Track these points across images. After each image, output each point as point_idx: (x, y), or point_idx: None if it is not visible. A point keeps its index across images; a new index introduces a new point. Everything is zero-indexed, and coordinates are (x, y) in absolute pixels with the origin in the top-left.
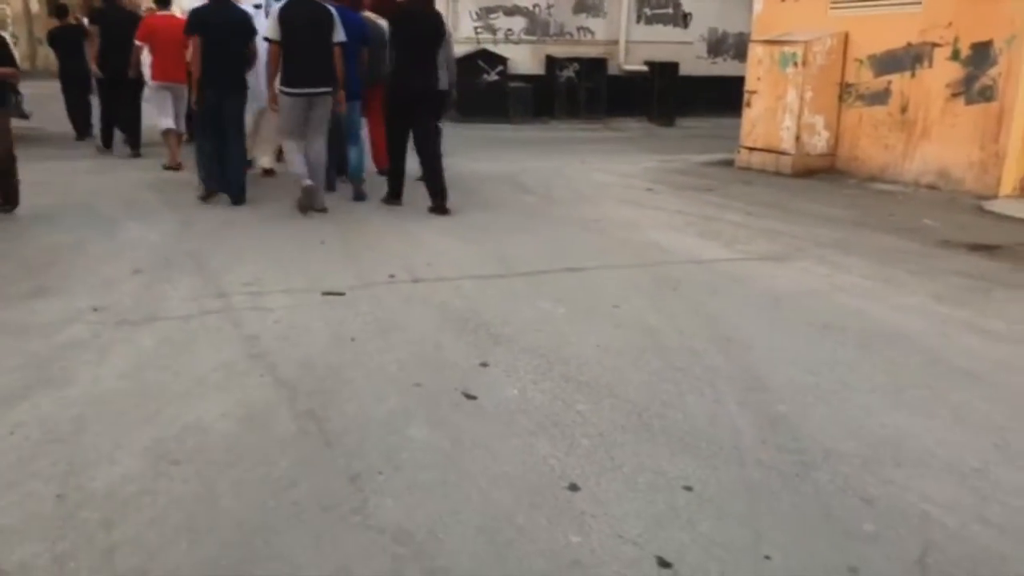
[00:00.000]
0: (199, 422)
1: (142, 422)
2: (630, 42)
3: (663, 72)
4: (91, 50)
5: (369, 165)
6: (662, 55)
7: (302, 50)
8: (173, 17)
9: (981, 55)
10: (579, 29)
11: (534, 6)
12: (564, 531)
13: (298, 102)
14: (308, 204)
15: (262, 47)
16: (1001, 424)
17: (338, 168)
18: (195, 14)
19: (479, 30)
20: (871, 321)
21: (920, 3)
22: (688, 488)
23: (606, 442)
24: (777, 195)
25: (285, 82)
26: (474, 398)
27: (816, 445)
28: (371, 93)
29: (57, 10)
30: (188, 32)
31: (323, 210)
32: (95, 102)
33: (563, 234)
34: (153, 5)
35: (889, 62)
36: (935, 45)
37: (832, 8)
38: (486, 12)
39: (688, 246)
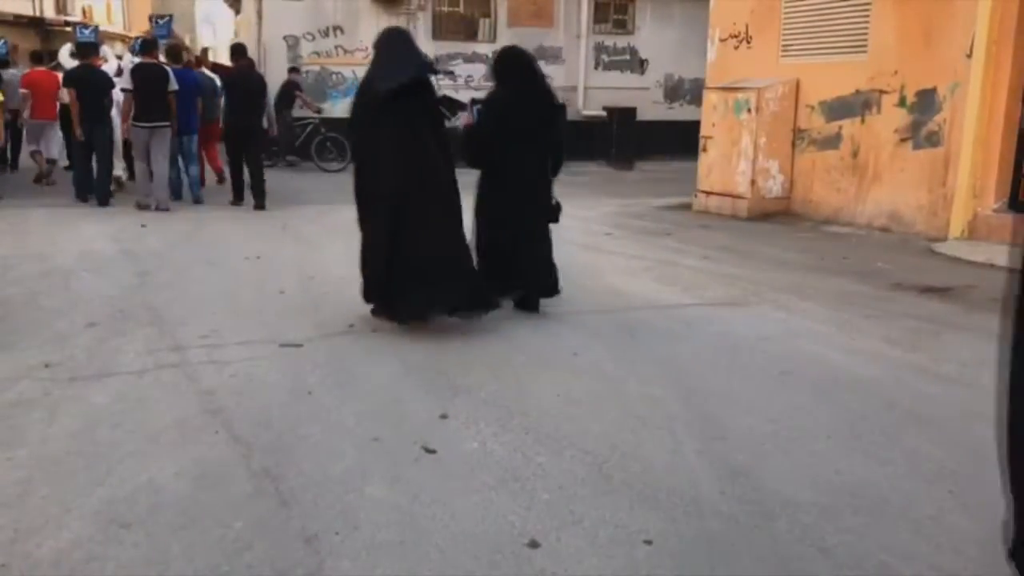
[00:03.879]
0: (152, 482)
1: (92, 483)
2: (588, 88)
3: (621, 117)
4: None
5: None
6: (620, 101)
7: (146, 97)
8: (47, 72)
9: (926, 102)
10: None
11: (494, 53)
12: None
13: (143, 132)
14: (144, 206)
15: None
16: (954, 470)
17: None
18: (70, 72)
19: (440, 77)
20: (827, 367)
21: (866, 51)
22: (648, 542)
23: (566, 496)
24: (734, 239)
25: (135, 118)
26: (433, 452)
27: (774, 495)
28: (209, 128)
29: None
30: (65, 85)
31: (165, 210)
32: None
33: None
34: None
35: (839, 108)
36: (883, 92)
37: (783, 56)
38: (447, 59)
39: (646, 291)
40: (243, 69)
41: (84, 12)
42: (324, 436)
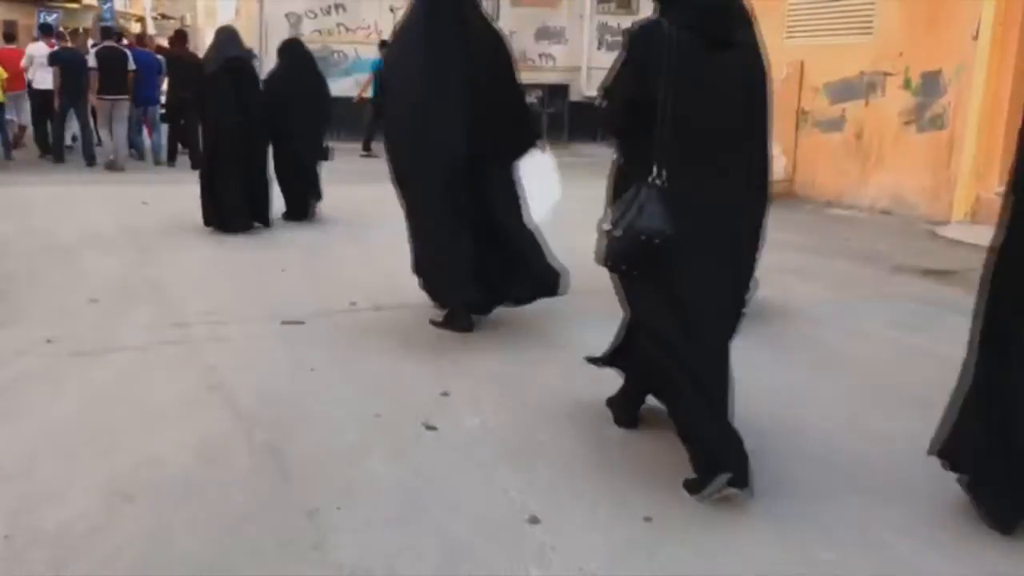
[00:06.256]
0: (155, 456)
1: (95, 457)
2: (592, 68)
3: None
4: None
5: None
6: None
7: (108, 74)
8: (15, 49)
9: (931, 84)
10: (541, 56)
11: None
12: (524, 565)
13: (107, 104)
14: (111, 168)
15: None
16: None
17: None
18: (55, 53)
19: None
20: (827, 348)
21: (871, 33)
22: (648, 519)
23: (567, 472)
24: None
25: (99, 93)
26: (434, 429)
27: (772, 472)
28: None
29: None
30: (51, 63)
31: (121, 170)
32: None
33: None
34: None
35: (844, 90)
36: (887, 74)
37: (787, 37)
38: None
39: None
40: (181, 50)
41: None
42: (326, 412)
